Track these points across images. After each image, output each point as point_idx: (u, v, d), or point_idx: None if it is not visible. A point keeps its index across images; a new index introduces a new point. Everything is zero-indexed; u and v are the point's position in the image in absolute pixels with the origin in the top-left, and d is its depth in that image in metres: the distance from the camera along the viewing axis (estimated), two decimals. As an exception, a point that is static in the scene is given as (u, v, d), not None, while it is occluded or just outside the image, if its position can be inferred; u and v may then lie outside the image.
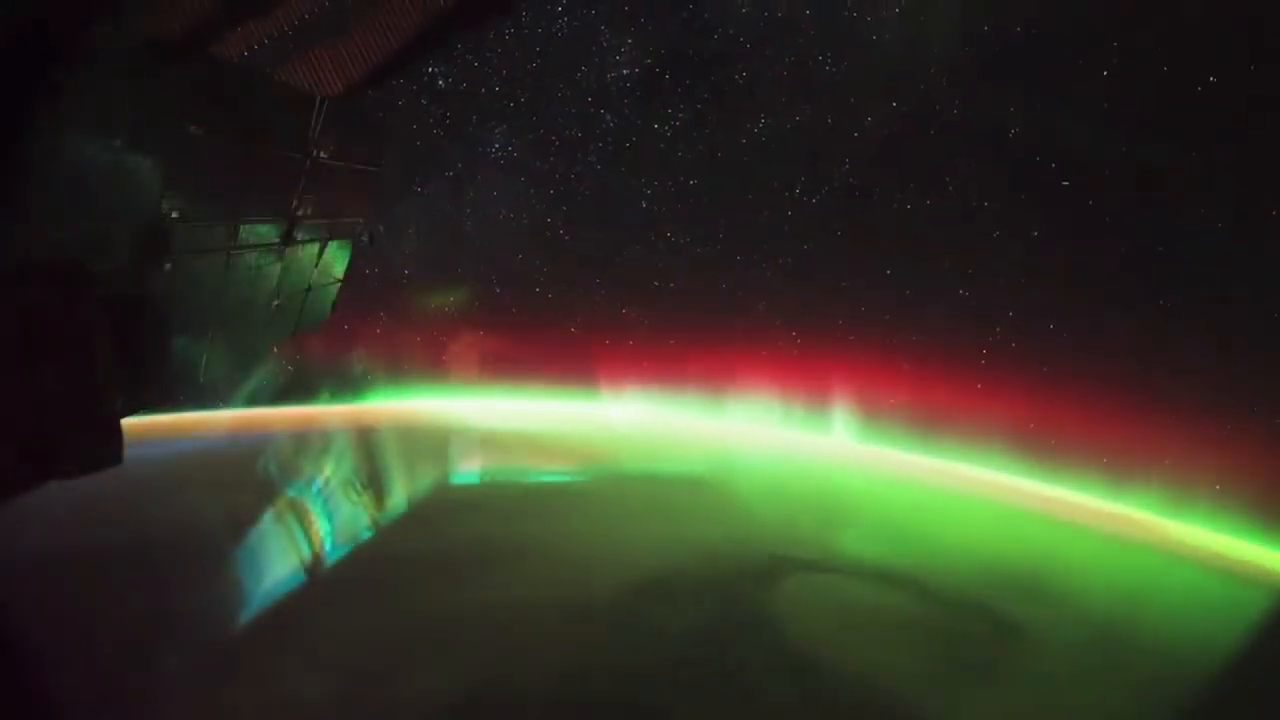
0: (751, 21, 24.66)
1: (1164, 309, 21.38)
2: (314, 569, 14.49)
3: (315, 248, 5.33)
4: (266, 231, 4.64)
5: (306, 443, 21.63)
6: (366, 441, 21.70)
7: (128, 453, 3.37)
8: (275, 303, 5.15)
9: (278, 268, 4.92)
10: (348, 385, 23.88)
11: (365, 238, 5.85)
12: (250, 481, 18.54)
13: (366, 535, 16.39)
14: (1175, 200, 20.15)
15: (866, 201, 25.99)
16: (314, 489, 18.26)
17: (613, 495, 21.30)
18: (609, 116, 27.05)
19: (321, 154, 4.55)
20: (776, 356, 27.67)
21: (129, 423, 3.42)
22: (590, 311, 28.12)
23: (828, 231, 26.84)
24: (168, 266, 3.83)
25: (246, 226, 4.40)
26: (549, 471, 23.47)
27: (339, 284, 6.04)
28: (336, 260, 5.80)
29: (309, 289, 5.54)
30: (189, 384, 4.66)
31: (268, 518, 15.92)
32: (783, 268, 27.47)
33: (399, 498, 18.89)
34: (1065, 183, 22.20)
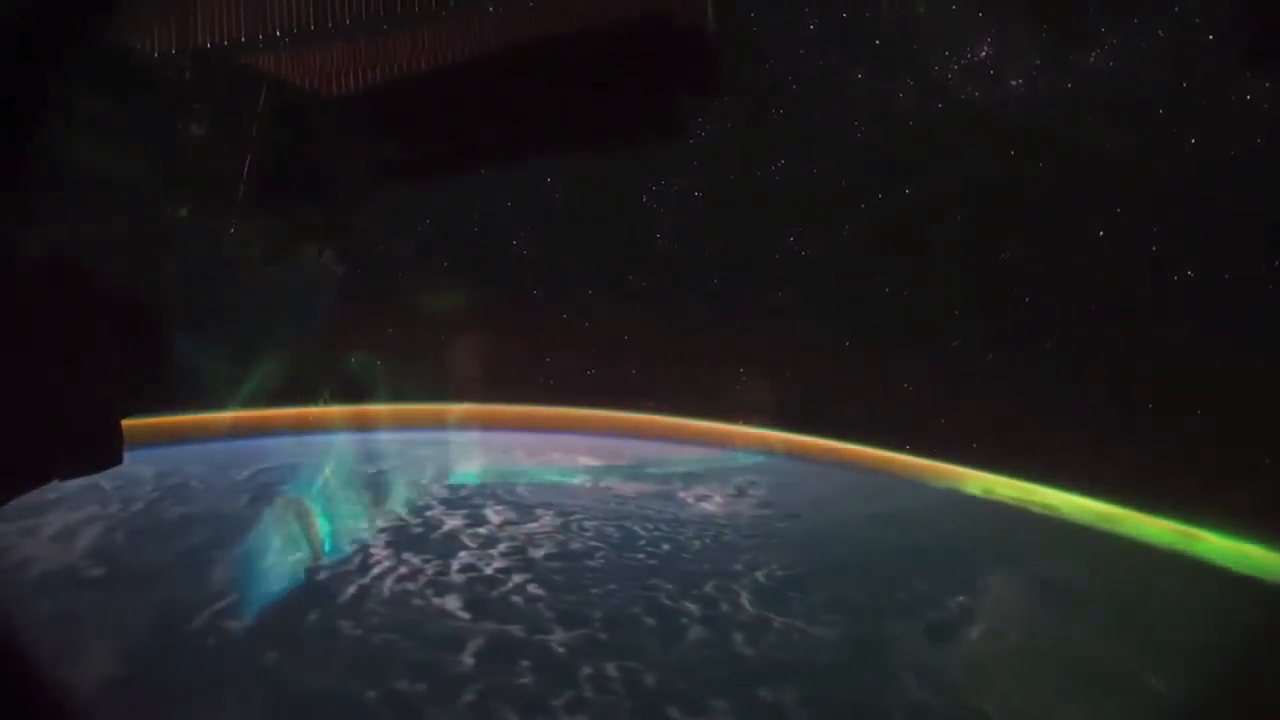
0: (805, 64, 25.25)
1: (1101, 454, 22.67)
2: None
3: (315, 248, 5.33)
4: (267, 231, 4.64)
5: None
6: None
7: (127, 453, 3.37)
8: (276, 303, 5.15)
9: (278, 268, 4.92)
10: (348, 385, 23.85)
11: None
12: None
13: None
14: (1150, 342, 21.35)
15: (851, 271, 26.74)
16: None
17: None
18: (639, 102, 27.43)
19: (323, 153, 4.55)
20: (715, 388, 28.11)
21: (129, 423, 3.42)
22: (556, 283, 28.15)
23: (806, 287, 27.40)
24: (168, 266, 3.84)
25: (247, 226, 4.40)
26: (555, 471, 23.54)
27: (339, 284, 6.04)
28: (336, 260, 5.80)
29: (309, 289, 5.55)
30: (189, 384, 4.66)
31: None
32: (752, 308, 27.80)
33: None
34: (1041, 319, 23.74)
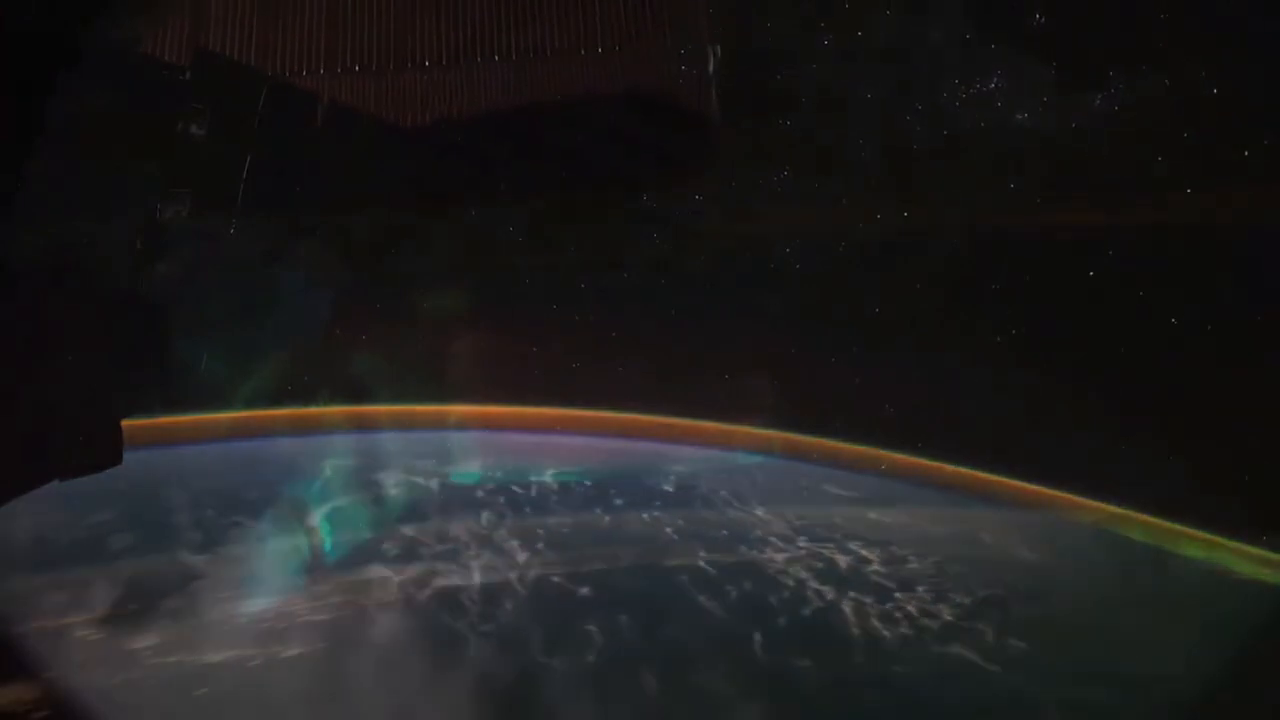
0: (815, 78, 25.54)
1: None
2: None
3: (315, 248, 5.34)
4: (266, 232, 4.64)
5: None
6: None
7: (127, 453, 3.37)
8: (276, 303, 5.16)
9: (278, 268, 4.93)
10: (348, 385, 23.80)
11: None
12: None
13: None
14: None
15: (841, 290, 27.00)
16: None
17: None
18: (644, 102, 27.58)
19: (323, 155, 4.55)
20: (711, 389, 28.32)
21: (129, 423, 3.42)
22: (549, 277, 28.11)
23: (795, 305, 27.70)
24: (168, 267, 3.84)
25: (247, 226, 4.40)
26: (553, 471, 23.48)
27: (338, 284, 6.05)
28: (335, 260, 5.81)
29: (308, 289, 5.55)
30: (189, 384, 4.66)
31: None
32: (742, 317, 27.94)
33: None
34: (1022, 371, 24.13)
